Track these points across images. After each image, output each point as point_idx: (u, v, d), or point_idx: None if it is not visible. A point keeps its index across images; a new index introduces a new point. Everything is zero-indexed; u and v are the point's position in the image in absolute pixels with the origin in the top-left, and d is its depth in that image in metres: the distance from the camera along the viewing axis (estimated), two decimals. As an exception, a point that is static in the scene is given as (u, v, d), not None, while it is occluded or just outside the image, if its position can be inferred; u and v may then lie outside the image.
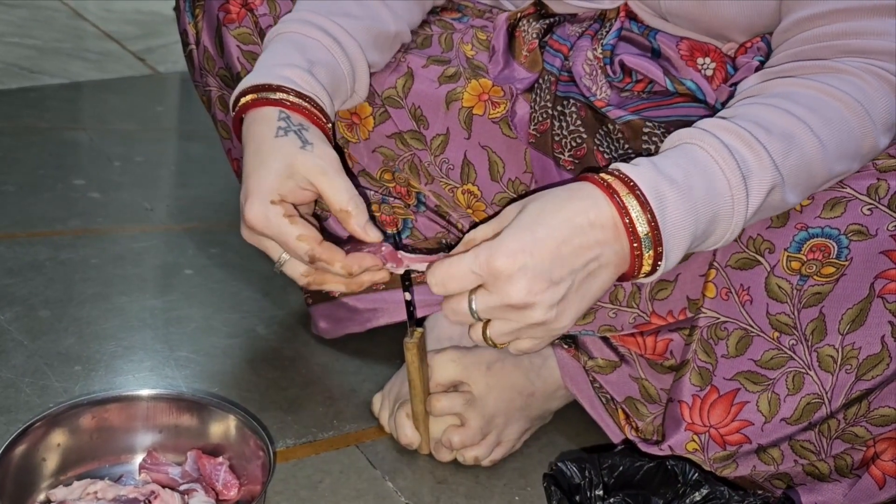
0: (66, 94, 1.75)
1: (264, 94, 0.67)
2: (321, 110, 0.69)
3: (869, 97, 0.61)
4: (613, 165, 0.59)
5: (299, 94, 0.67)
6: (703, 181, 0.58)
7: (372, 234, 0.64)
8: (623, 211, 0.56)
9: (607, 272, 0.58)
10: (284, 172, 0.64)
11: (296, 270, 0.66)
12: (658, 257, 0.58)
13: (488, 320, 0.59)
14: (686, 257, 0.72)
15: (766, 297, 0.67)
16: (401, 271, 0.64)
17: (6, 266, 1.00)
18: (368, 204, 0.66)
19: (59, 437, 0.66)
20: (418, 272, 0.64)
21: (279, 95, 0.67)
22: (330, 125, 0.70)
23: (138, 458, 0.69)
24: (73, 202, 1.22)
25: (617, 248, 0.57)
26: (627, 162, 0.59)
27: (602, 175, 0.58)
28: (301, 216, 0.65)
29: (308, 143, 0.65)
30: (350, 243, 0.66)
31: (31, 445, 0.63)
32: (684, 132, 0.61)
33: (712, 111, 0.72)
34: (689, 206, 0.57)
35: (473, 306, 0.58)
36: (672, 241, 0.57)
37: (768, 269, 0.67)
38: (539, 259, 0.55)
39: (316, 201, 0.68)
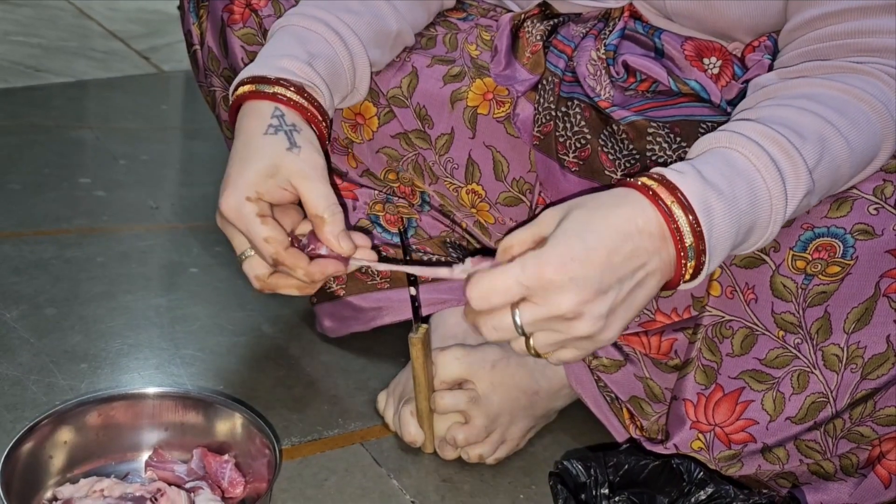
0: (72, 93, 1.75)
1: (262, 86, 0.67)
2: (318, 106, 0.69)
3: (888, 97, 0.62)
4: (656, 170, 0.57)
5: (298, 90, 0.67)
6: (747, 192, 0.57)
7: (345, 246, 0.64)
8: (670, 218, 0.55)
9: (654, 280, 0.57)
10: (266, 171, 0.64)
11: (253, 270, 0.66)
12: (700, 266, 0.57)
13: (531, 333, 0.56)
14: None
15: (771, 295, 0.67)
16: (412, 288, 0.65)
17: (12, 264, 1.00)
18: (347, 215, 0.67)
19: (65, 435, 0.66)
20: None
21: (277, 90, 0.67)
22: (327, 121, 0.70)
23: (144, 456, 0.69)
24: (79, 201, 1.22)
25: (664, 256, 0.56)
26: (636, 161, 0.59)
27: (644, 181, 0.56)
28: (273, 218, 0.65)
29: (296, 146, 0.65)
30: (310, 239, 0.65)
31: (38, 443, 0.64)
32: (722, 135, 0.60)
33: (717, 110, 0.72)
34: (734, 217, 0.57)
35: (518, 320, 0.54)
36: (714, 251, 0.57)
37: (773, 268, 0.67)
38: (591, 268, 0.53)
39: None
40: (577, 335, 0.55)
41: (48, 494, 0.64)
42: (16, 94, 1.65)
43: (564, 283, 0.53)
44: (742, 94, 0.71)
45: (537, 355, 0.57)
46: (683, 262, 0.56)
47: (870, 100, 0.61)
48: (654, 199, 0.55)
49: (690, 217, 0.55)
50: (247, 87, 0.68)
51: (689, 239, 0.55)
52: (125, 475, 0.68)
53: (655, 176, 0.57)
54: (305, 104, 0.67)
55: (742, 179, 0.57)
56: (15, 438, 0.62)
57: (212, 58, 0.86)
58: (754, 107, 0.64)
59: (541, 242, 0.55)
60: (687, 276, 0.58)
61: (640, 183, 0.56)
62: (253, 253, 0.66)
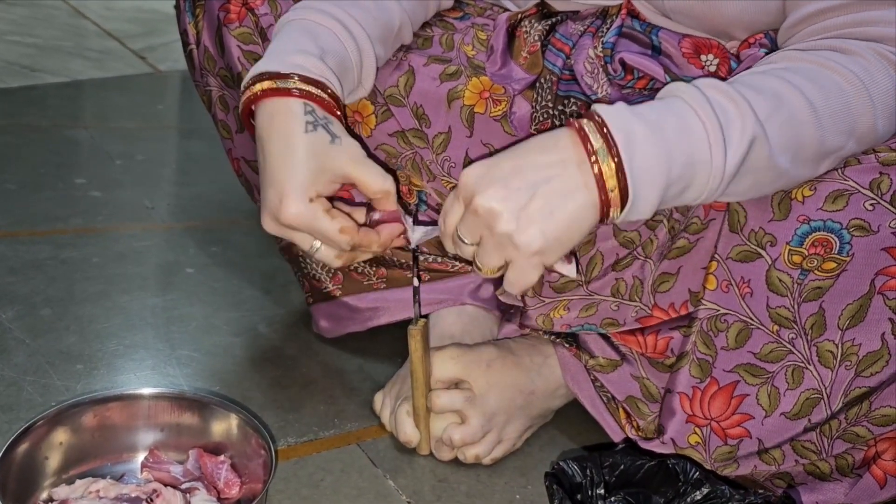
0: (67, 93, 1.75)
1: (282, 82, 0.66)
2: (336, 98, 0.69)
3: (871, 75, 0.61)
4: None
5: (317, 84, 0.67)
6: (675, 121, 0.58)
7: (400, 206, 0.69)
8: (580, 129, 0.58)
9: (575, 193, 0.58)
10: (318, 169, 0.65)
11: (330, 254, 0.68)
12: (625, 185, 0.57)
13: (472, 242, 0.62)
14: (680, 221, 0.72)
15: (766, 290, 0.67)
16: (414, 240, 0.70)
17: (8, 265, 1.00)
18: (393, 175, 0.69)
19: (61, 436, 0.66)
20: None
21: (299, 85, 0.66)
22: (343, 112, 0.70)
23: (140, 457, 0.69)
24: (75, 201, 1.22)
25: (578, 162, 0.58)
26: None
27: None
28: (335, 207, 0.67)
29: (336, 137, 0.66)
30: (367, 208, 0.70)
31: (34, 444, 0.64)
32: (670, 86, 0.62)
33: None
34: (658, 138, 0.58)
35: (459, 233, 0.62)
36: (640, 172, 0.57)
37: (769, 263, 0.67)
38: (497, 170, 0.59)
39: None
40: (498, 234, 0.59)
41: (44, 495, 0.64)
42: (11, 94, 1.64)
43: (475, 182, 0.59)
44: None
45: (488, 274, 0.62)
46: (597, 169, 0.57)
47: (845, 73, 0.61)
48: (572, 124, 0.59)
49: (600, 127, 0.58)
50: (265, 84, 0.67)
51: (597, 142, 0.57)
52: (121, 476, 0.67)
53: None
54: (327, 98, 0.67)
55: (671, 112, 0.59)
56: (10, 439, 0.62)
57: (208, 57, 0.86)
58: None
59: None
60: (611, 187, 0.58)
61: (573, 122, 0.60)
62: (320, 244, 0.68)
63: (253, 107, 0.68)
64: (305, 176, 0.65)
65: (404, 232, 0.69)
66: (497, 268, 0.62)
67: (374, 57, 0.75)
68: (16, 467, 0.61)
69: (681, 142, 0.58)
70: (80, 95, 1.78)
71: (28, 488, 0.63)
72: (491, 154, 0.65)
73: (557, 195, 0.58)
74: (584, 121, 0.58)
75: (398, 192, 0.69)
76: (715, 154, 0.58)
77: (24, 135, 1.45)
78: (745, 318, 0.68)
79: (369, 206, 0.69)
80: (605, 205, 0.58)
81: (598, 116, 0.58)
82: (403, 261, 0.87)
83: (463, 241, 0.62)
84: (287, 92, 0.66)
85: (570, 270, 0.64)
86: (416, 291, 0.73)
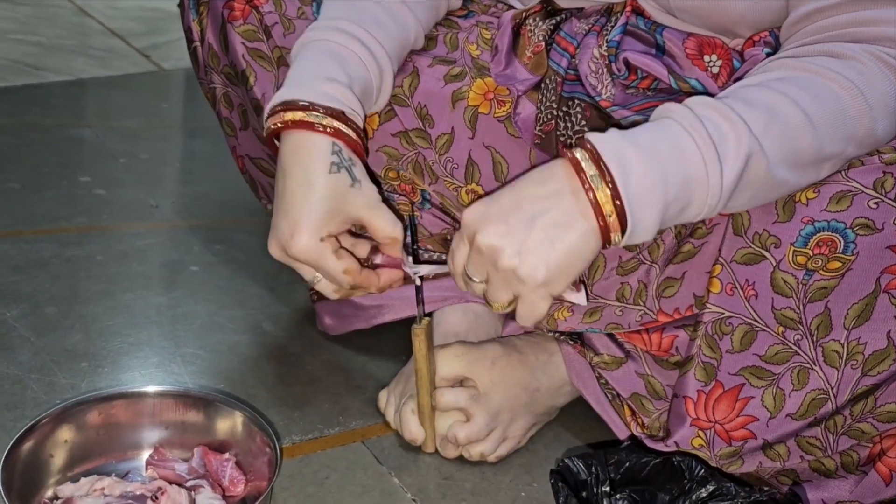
0: (71, 92, 1.75)
1: (312, 115, 0.67)
2: (361, 137, 0.70)
3: (867, 79, 0.61)
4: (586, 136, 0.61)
5: (346, 121, 0.68)
6: (669, 142, 0.59)
7: (404, 253, 0.71)
8: (574, 159, 0.59)
9: (573, 222, 0.59)
10: (334, 210, 0.67)
11: (329, 288, 0.71)
12: (623, 211, 0.58)
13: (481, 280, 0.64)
14: (681, 235, 0.72)
15: (771, 291, 0.67)
16: (418, 277, 0.73)
17: (12, 263, 1.00)
18: (402, 220, 0.72)
19: (66, 434, 0.66)
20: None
21: (328, 122, 0.67)
22: (365, 144, 0.72)
23: (145, 455, 0.69)
24: (78, 199, 1.22)
25: (573, 191, 0.59)
26: None
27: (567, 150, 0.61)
28: (342, 248, 0.69)
29: (357, 181, 0.68)
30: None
31: (39, 442, 0.64)
32: (661, 108, 0.62)
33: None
34: (652, 161, 0.58)
35: (468, 272, 0.64)
36: (636, 197, 0.58)
37: (774, 264, 0.66)
38: (496, 206, 0.61)
39: None
40: (502, 270, 0.61)
41: (49, 493, 0.64)
42: (15, 93, 1.65)
43: (475, 221, 0.61)
44: None
45: (500, 309, 0.64)
46: (592, 196, 0.58)
47: (840, 80, 0.61)
48: (565, 153, 0.60)
49: (595, 156, 0.58)
50: (297, 115, 0.67)
51: (590, 170, 0.58)
52: (126, 474, 0.68)
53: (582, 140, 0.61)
54: (355, 138, 0.69)
55: (664, 134, 0.60)
56: (15, 437, 0.62)
57: (212, 55, 0.86)
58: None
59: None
60: (608, 213, 0.58)
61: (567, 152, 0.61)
62: (322, 277, 0.70)
63: (278, 134, 0.69)
64: (321, 215, 0.66)
65: (405, 277, 0.72)
66: (507, 302, 0.63)
67: (392, 77, 0.76)
68: (21, 465, 0.61)
69: (675, 162, 0.59)
70: (83, 94, 1.78)
71: (33, 486, 0.63)
72: (490, 192, 0.66)
73: (556, 226, 0.59)
74: (577, 150, 0.60)
75: (408, 232, 0.73)
76: (711, 172, 0.59)
77: (28, 134, 1.45)
78: (750, 321, 0.68)
79: (374, 248, 0.72)
80: (604, 231, 0.59)
81: (590, 144, 0.59)
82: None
83: (472, 280, 0.64)
84: (316, 128, 0.67)
85: (579, 298, 0.66)
86: (418, 290, 0.73)
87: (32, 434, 0.63)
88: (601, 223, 0.59)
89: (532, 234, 0.59)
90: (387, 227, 0.69)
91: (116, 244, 1.10)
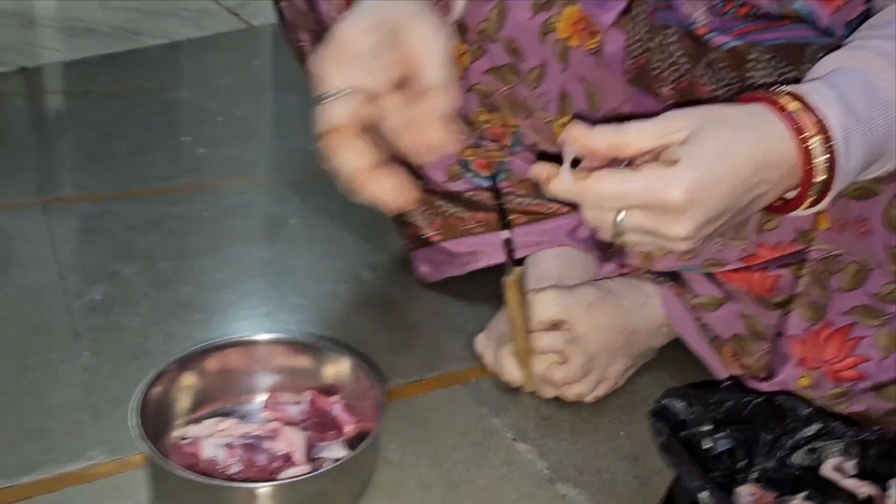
0: (168, 54, 1.81)
1: None
2: None
3: None
4: (799, 89, 0.55)
5: None
6: (884, 121, 0.55)
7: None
8: (807, 156, 0.54)
9: (761, 204, 0.57)
10: (379, 22, 0.60)
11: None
12: (822, 199, 0.56)
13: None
14: None
15: (884, 228, 0.64)
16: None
17: (127, 223, 1.06)
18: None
19: (188, 380, 0.70)
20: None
21: None
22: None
23: (258, 399, 0.73)
24: (182, 158, 1.28)
25: (784, 185, 0.56)
26: (736, 91, 0.56)
27: (785, 102, 0.54)
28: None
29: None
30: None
31: (165, 387, 0.68)
32: (856, 54, 0.57)
33: (824, 34, 0.68)
34: (867, 148, 0.55)
35: (622, 221, 0.54)
36: (840, 183, 0.55)
37: (887, 199, 0.63)
38: (715, 199, 0.53)
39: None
40: (672, 247, 0.56)
41: (177, 433, 0.69)
42: (118, 59, 1.72)
43: (686, 210, 0.52)
44: (865, 16, 0.66)
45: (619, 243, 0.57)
46: (809, 195, 0.55)
47: None
48: (797, 129, 0.54)
49: (829, 156, 0.54)
50: None
51: (820, 176, 0.54)
52: (244, 416, 0.72)
53: (797, 93, 0.55)
54: None
55: (881, 107, 0.55)
56: (145, 383, 0.66)
57: (299, 12, 0.87)
58: (884, 24, 0.59)
59: (665, 151, 0.54)
60: (805, 205, 0.56)
61: (781, 100, 0.54)
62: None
63: None
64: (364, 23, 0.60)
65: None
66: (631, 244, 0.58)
67: None
68: (151, 409, 0.66)
69: (882, 143, 0.55)
70: (179, 56, 1.84)
71: (162, 428, 0.68)
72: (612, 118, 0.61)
73: (747, 210, 0.56)
74: (814, 141, 0.54)
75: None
76: None
77: (132, 97, 1.52)
78: (861, 259, 0.65)
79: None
80: (788, 209, 0.57)
81: (825, 123, 0.53)
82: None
83: (616, 221, 0.55)
84: None
85: None
86: (507, 244, 0.73)
87: (160, 381, 0.68)
88: (786, 209, 0.58)
89: (725, 224, 0.56)
90: (432, 45, 0.58)
91: (220, 200, 1.15)
